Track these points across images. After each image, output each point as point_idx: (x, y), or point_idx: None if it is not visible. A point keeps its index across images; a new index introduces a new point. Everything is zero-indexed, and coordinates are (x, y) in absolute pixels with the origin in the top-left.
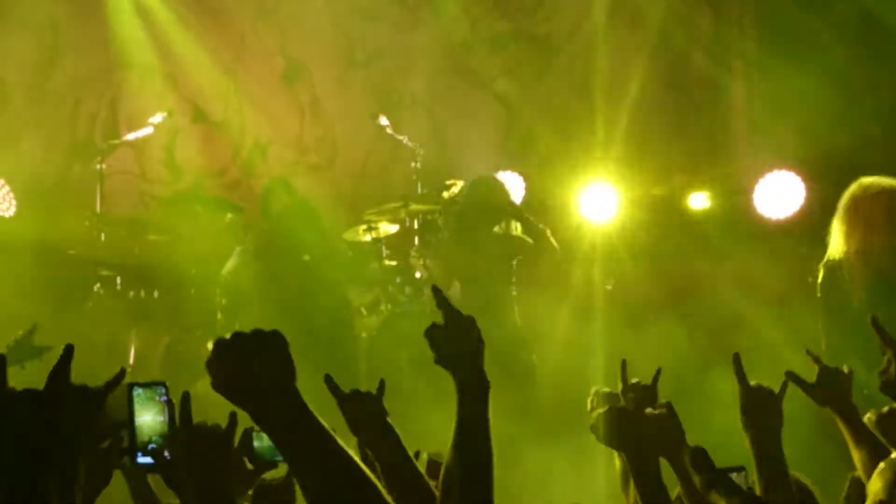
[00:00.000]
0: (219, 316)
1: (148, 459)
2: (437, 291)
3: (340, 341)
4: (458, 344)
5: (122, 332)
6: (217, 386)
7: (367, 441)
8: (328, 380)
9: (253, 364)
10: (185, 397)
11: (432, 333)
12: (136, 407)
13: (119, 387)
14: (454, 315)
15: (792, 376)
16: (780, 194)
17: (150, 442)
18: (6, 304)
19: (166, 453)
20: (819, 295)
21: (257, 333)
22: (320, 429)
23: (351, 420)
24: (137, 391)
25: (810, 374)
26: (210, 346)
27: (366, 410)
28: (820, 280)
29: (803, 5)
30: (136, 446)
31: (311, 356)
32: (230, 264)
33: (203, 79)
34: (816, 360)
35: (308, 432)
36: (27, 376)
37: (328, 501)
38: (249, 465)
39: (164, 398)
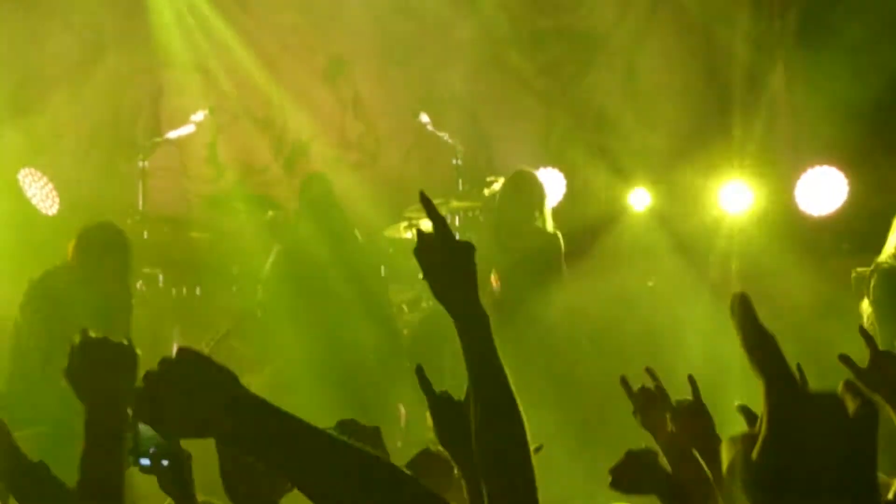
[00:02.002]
0: (259, 313)
1: (147, 462)
2: (425, 201)
3: (382, 337)
4: (449, 264)
5: (165, 329)
6: (159, 426)
7: (452, 449)
8: (419, 372)
9: (188, 390)
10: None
11: (422, 246)
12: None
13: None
14: (446, 233)
15: (845, 360)
16: (822, 190)
17: (150, 448)
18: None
19: (164, 461)
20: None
21: (174, 361)
22: (290, 418)
23: (438, 423)
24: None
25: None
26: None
27: (456, 417)
28: (874, 283)
29: (845, 1)
30: (138, 450)
31: (352, 355)
32: (269, 262)
33: (245, 76)
34: (870, 342)
35: (281, 426)
36: None
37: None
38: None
39: None
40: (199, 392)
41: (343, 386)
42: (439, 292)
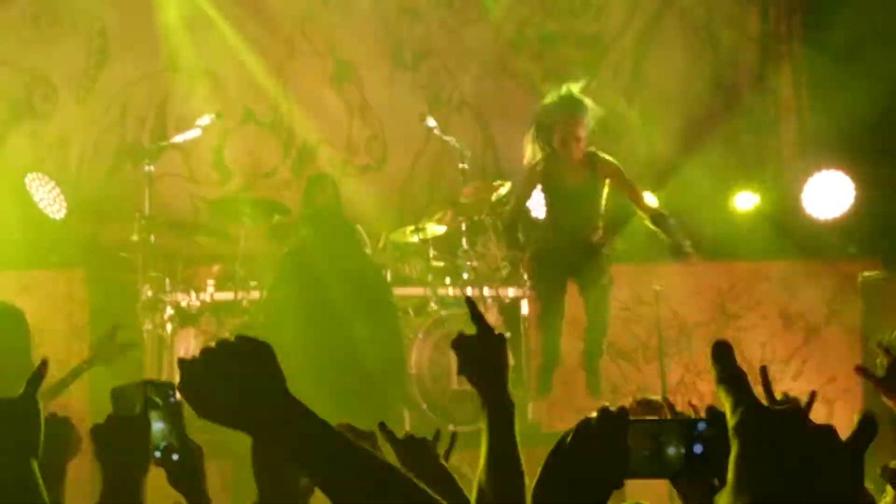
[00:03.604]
0: (261, 318)
1: (158, 454)
2: (470, 303)
3: (386, 341)
4: (485, 359)
5: (172, 334)
6: (201, 411)
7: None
8: (382, 427)
9: (237, 379)
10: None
11: (460, 344)
12: (150, 409)
13: (134, 384)
14: (485, 329)
15: (861, 370)
16: (829, 194)
17: (161, 443)
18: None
19: (174, 455)
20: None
21: (234, 345)
22: (329, 429)
23: (404, 464)
24: (151, 390)
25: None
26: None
27: (420, 456)
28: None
29: (851, 4)
30: (150, 443)
31: (355, 360)
32: (274, 266)
33: (251, 80)
34: (887, 351)
35: (319, 437)
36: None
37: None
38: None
39: (173, 399)
40: (249, 382)
41: (346, 390)
42: (474, 381)
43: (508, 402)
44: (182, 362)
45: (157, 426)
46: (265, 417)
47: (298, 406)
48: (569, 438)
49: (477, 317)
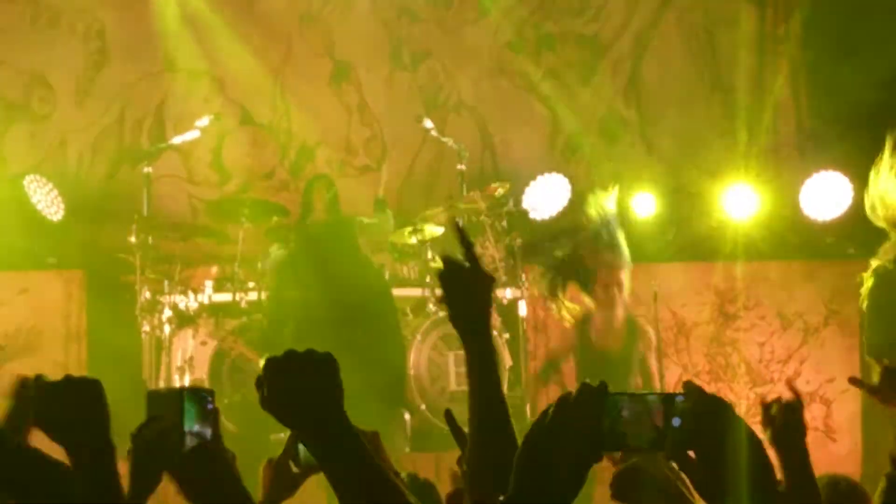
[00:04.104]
0: (264, 323)
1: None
2: (458, 230)
3: (384, 341)
4: (470, 298)
5: (170, 335)
6: (266, 404)
7: None
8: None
9: (303, 385)
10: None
11: (446, 273)
12: (186, 415)
13: (171, 389)
14: (474, 261)
15: (855, 381)
16: (827, 195)
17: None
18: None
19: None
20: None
21: (310, 354)
22: (363, 452)
23: None
24: (188, 399)
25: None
26: (262, 363)
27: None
28: (870, 286)
29: (849, 4)
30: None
31: (355, 361)
32: (270, 265)
33: (250, 81)
34: (879, 360)
35: (352, 456)
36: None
37: None
38: (295, 469)
39: (211, 406)
40: (316, 395)
41: (348, 394)
42: (455, 317)
43: (489, 344)
44: (269, 362)
45: (193, 431)
46: (315, 427)
47: (346, 425)
48: (549, 412)
49: (466, 245)
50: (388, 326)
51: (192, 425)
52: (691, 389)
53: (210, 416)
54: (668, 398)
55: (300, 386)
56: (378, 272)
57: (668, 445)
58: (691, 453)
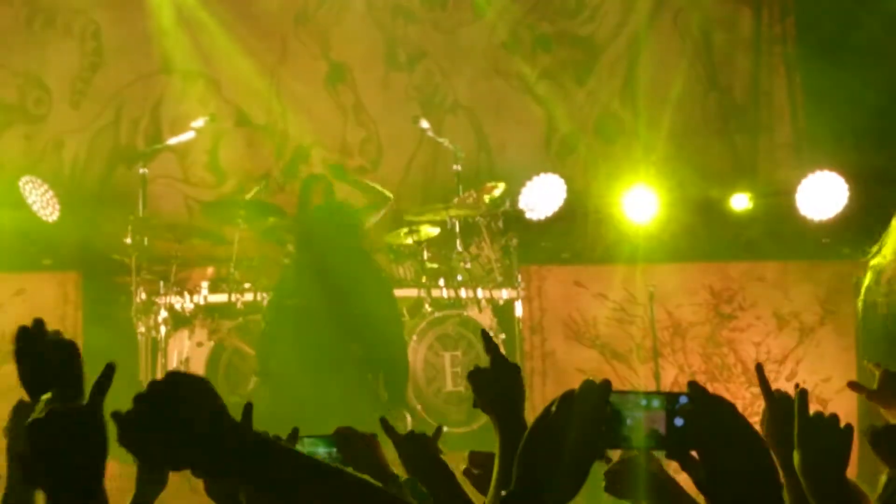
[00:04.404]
0: (263, 326)
1: None
2: (486, 336)
3: (386, 345)
4: (501, 390)
5: (166, 336)
6: (148, 459)
7: (422, 480)
8: (384, 422)
9: (173, 423)
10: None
11: (476, 377)
12: None
13: None
14: (501, 360)
15: (855, 386)
16: (823, 195)
17: None
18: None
19: None
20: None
21: (161, 390)
22: (291, 452)
23: (405, 459)
24: None
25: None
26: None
27: (421, 451)
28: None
29: (845, 5)
30: None
31: (357, 366)
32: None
33: (245, 82)
34: (878, 364)
35: (282, 463)
36: None
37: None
38: None
39: None
40: (184, 422)
41: (350, 394)
42: (487, 408)
43: (523, 427)
44: (116, 416)
45: None
46: (205, 452)
47: (242, 432)
48: (553, 408)
49: (491, 348)
50: (390, 330)
51: None
52: (695, 390)
53: None
54: (671, 398)
55: (169, 423)
56: (380, 275)
57: (671, 445)
58: (694, 453)
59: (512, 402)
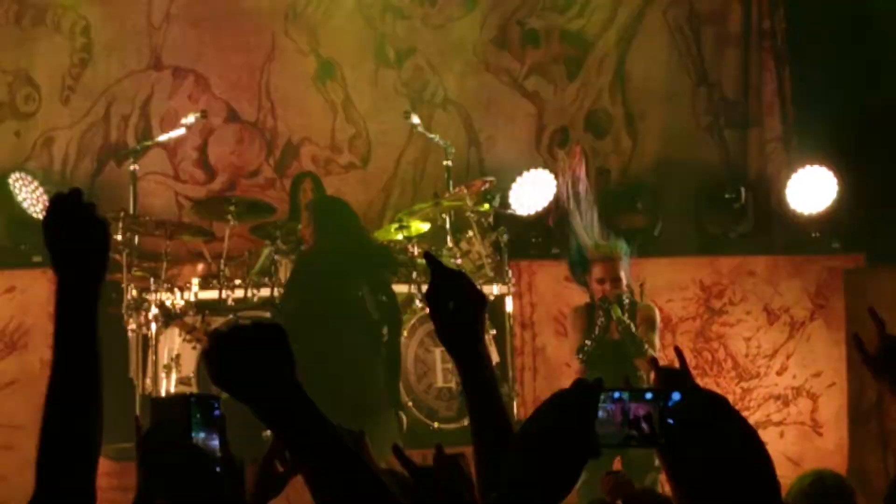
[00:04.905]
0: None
1: None
2: (427, 255)
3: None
4: (462, 318)
5: (156, 333)
6: (215, 378)
7: None
8: (397, 451)
9: (251, 357)
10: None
11: (434, 297)
12: (193, 423)
13: (177, 395)
14: (443, 273)
15: (857, 340)
16: (813, 190)
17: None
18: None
19: (217, 468)
20: None
21: (256, 326)
22: (323, 422)
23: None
24: (195, 406)
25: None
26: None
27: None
28: None
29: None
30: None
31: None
32: (259, 264)
33: (235, 79)
34: (880, 325)
35: (311, 426)
36: None
37: (336, 496)
38: (280, 468)
39: (218, 412)
40: (267, 364)
41: (350, 391)
42: (446, 336)
43: (486, 357)
44: (214, 336)
45: (200, 439)
46: (269, 398)
47: (300, 395)
48: (543, 409)
49: (432, 261)
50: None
51: (198, 432)
52: (689, 389)
53: (217, 423)
54: (664, 395)
55: (247, 356)
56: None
57: (664, 443)
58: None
59: (477, 334)
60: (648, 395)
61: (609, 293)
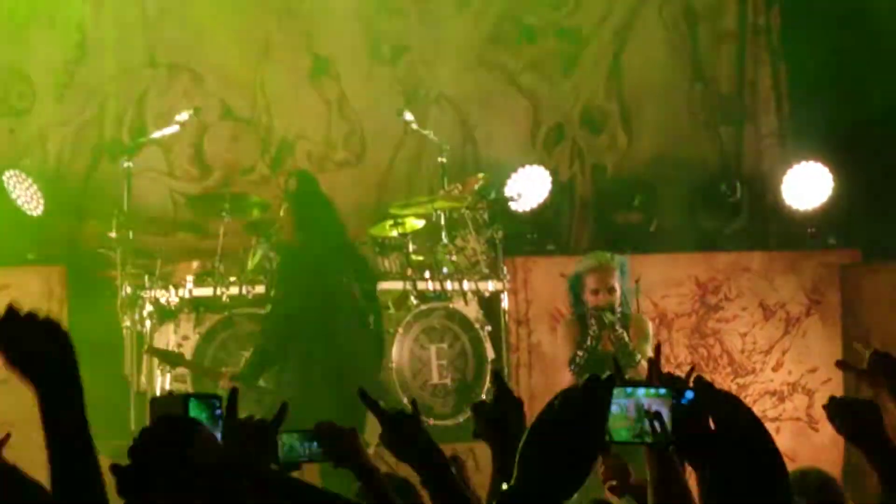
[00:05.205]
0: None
1: None
2: (495, 374)
3: (375, 335)
4: (503, 422)
5: (151, 330)
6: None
7: (413, 466)
8: (365, 397)
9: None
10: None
11: (479, 409)
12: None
13: (176, 395)
14: (505, 394)
15: (842, 364)
16: (809, 185)
17: None
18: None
19: None
20: None
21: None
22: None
23: (393, 442)
24: (194, 405)
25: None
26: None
27: (410, 434)
28: None
29: None
30: None
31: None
32: (256, 261)
33: (230, 76)
34: (867, 345)
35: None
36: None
37: None
38: (274, 467)
39: (220, 411)
40: (183, 468)
41: (350, 381)
42: (487, 437)
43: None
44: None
45: None
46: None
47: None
48: (556, 403)
49: (498, 382)
50: (376, 320)
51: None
52: (701, 385)
53: (219, 423)
54: (677, 393)
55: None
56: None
57: (676, 440)
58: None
59: (511, 435)
60: (662, 391)
61: (602, 302)
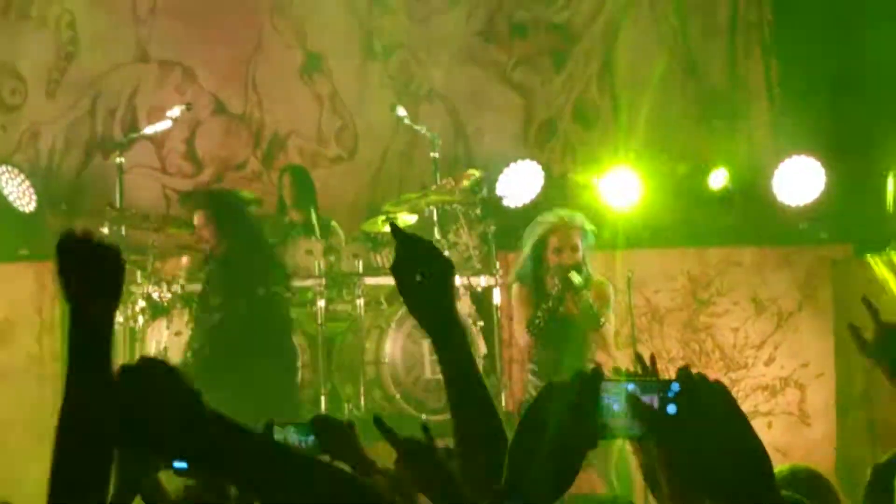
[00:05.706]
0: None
1: (183, 465)
2: (392, 225)
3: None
4: (432, 288)
5: (144, 326)
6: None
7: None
8: (379, 423)
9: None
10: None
11: (401, 269)
12: None
13: None
14: (407, 243)
15: (852, 329)
16: (800, 180)
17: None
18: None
19: None
20: None
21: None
22: (255, 437)
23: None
24: None
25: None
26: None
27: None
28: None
29: None
30: None
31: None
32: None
33: (222, 72)
34: (874, 314)
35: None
36: None
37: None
38: None
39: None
40: (158, 408)
41: (286, 383)
42: (416, 308)
43: (460, 328)
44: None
45: None
46: (181, 437)
47: (214, 418)
48: (542, 400)
49: (397, 232)
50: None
51: None
52: (686, 376)
53: None
54: (663, 385)
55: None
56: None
57: (662, 434)
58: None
59: (449, 303)
60: (650, 384)
61: (567, 261)
